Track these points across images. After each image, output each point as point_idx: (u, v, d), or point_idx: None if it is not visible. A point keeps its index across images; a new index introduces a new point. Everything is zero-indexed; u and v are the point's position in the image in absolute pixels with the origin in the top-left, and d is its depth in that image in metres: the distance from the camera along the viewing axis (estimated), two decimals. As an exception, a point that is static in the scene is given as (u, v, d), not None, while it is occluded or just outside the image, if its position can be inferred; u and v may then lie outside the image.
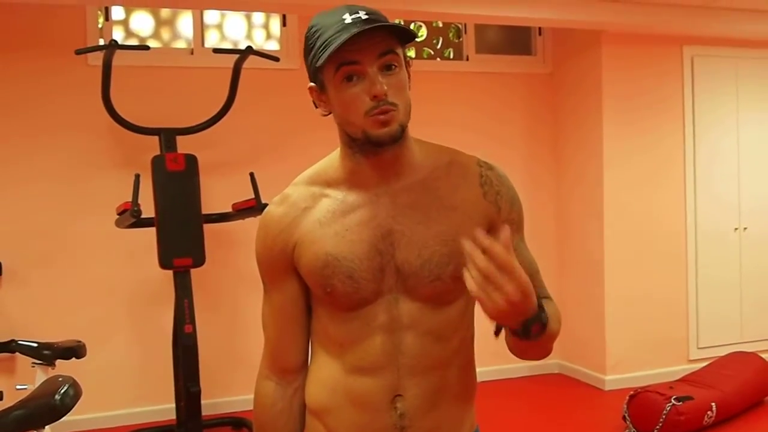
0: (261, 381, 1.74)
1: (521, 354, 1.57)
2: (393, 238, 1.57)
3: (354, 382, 1.61)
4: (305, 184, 1.66)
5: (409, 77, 1.56)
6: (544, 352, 1.58)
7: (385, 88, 1.48)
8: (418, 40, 6.09)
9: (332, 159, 1.66)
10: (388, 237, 1.57)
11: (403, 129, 1.53)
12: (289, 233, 1.63)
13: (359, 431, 1.62)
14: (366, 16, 1.47)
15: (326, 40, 1.47)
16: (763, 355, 5.49)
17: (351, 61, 1.48)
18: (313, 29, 1.52)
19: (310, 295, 1.67)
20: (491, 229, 1.61)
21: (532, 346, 1.49)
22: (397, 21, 5.96)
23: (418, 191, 1.59)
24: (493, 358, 5.90)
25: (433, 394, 1.61)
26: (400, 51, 1.52)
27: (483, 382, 6.21)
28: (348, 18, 1.47)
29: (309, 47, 1.53)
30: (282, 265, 1.66)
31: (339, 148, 1.63)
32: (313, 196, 1.63)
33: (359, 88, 1.48)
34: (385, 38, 1.49)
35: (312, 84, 1.57)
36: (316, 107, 1.60)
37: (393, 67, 1.50)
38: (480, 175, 1.64)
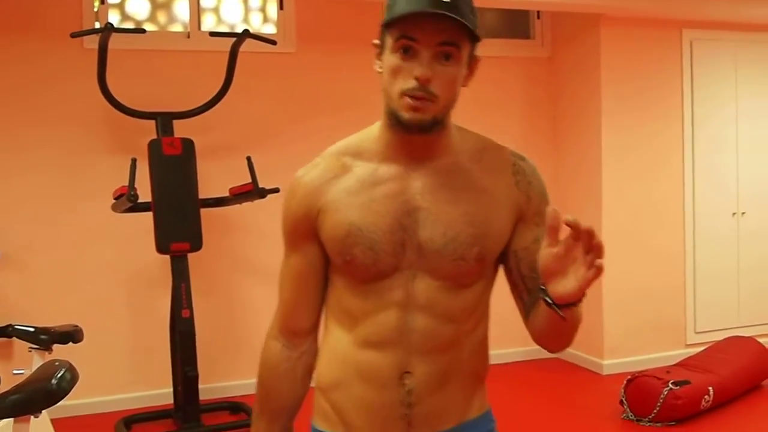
0: (269, 341, 1.75)
1: (557, 340, 1.58)
2: (418, 215, 1.57)
3: (364, 356, 1.61)
4: (336, 154, 1.66)
5: (470, 74, 1.58)
6: (573, 336, 1.58)
7: (430, 74, 1.46)
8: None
9: (371, 130, 1.66)
10: (413, 213, 1.57)
11: (436, 121, 1.52)
12: (316, 198, 1.63)
13: (366, 406, 1.63)
14: None
15: (399, 6, 1.46)
16: (761, 340, 5.51)
17: (410, 37, 1.46)
18: None
19: (329, 265, 1.67)
20: (520, 218, 1.63)
21: (569, 327, 1.50)
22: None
23: (451, 172, 1.60)
24: (491, 343, 5.91)
25: (442, 373, 1.61)
26: (465, 45, 1.50)
27: (481, 366, 6.05)
28: None
29: (388, 2, 1.52)
30: (304, 229, 1.65)
31: (380, 120, 1.62)
32: (343, 166, 1.63)
33: (408, 64, 1.48)
34: (454, 27, 1.46)
35: (376, 41, 1.56)
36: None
37: (450, 58, 1.48)
38: (513, 164, 1.65)
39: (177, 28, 5.47)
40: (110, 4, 5.26)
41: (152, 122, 4.80)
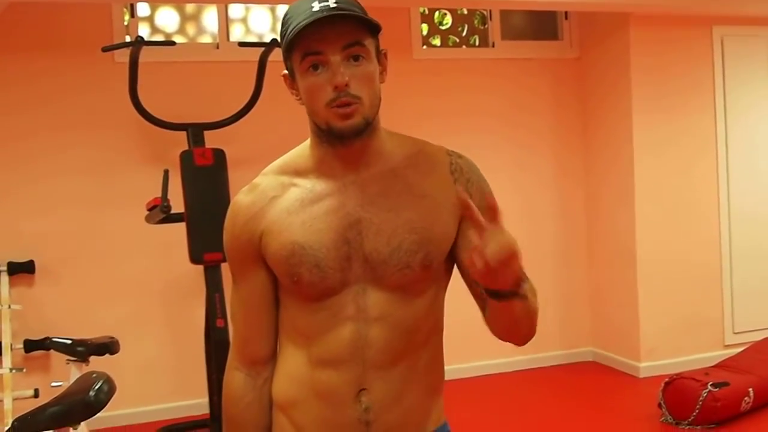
0: (230, 372, 1.74)
1: (510, 330, 1.59)
2: (361, 227, 1.57)
3: (319, 376, 1.61)
4: (274, 173, 1.68)
5: (384, 70, 1.57)
6: (527, 330, 1.59)
7: (347, 78, 1.47)
8: (442, 28, 6.04)
9: (302, 149, 1.67)
10: (356, 226, 1.57)
11: (368, 122, 1.52)
12: (257, 222, 1.63)
13: (324, 425, 1.62)
14: (334, 4, 1.47)
15: (293, 29, 1.48)
16: (801, 339, 5.41)
17: (315, 51, 1.48)
18: (286, 17, 1.53)
19: (278, 286, 1.67)
20: (463, 217, 1.62)
21: (515, 316, 1.51)
22: (421, 10, 5.92)
23: (388, 179, 1.59)
24: (527, 347, 5.86)
25: (399, 387, 1.60)
26: (369, 42, 1.52)
27: (517, 371, 6.12)
28: (316, 6, 1.47)
29: (281, 36, 1.54)
30: (249, 255, 1.65)
31: (309, 138, 1.63)
32: (282, 185, 1.64)
33: (322, 77, 1.49)
34: (352, 29, 1.48)
35: (285, 72, 1.59)
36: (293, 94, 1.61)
37: (360, 58, 1.50)
38: (450, 163, 1.65)
39: (206, 39, 5.52)
40: (140, 18, 5.31)
41: (183, 133, 4.83)
